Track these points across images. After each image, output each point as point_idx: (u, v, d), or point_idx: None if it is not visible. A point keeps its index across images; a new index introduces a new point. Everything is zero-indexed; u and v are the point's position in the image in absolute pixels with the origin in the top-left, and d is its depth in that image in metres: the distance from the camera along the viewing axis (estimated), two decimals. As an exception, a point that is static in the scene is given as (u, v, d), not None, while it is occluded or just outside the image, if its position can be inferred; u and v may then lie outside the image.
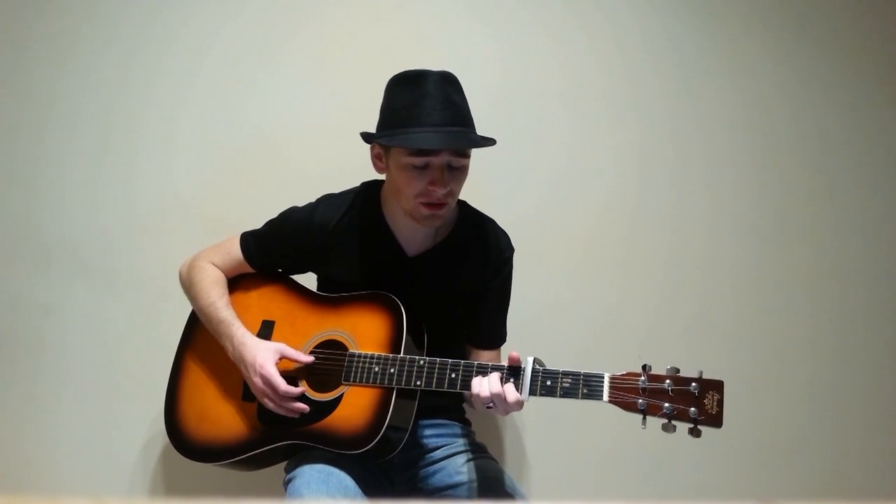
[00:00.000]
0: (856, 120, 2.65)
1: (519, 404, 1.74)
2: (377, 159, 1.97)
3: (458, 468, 2.01)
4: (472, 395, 1.78)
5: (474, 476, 1.98)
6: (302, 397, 1.91)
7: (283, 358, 1.93)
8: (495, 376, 1.75)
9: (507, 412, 1.77)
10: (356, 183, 2.11)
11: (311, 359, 1.94)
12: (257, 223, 2.11)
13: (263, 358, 1.90)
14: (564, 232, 2.56)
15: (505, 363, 1.78)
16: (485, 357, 2.09)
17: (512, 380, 1.75)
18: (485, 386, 1.75)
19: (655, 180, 2.59)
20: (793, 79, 2.64)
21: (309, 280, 2.15)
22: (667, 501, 2.49)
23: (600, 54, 2.59)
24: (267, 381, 1.88)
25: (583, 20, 2.58)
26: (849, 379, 2.63)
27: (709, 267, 2.61)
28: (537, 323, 2.51)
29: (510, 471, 2.45)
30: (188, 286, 2.10)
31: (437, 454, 2.05)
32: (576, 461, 2.56)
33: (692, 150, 2.60)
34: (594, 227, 2.57)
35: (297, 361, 1.94)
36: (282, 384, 1.88)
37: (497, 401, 1.74)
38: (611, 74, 2.59)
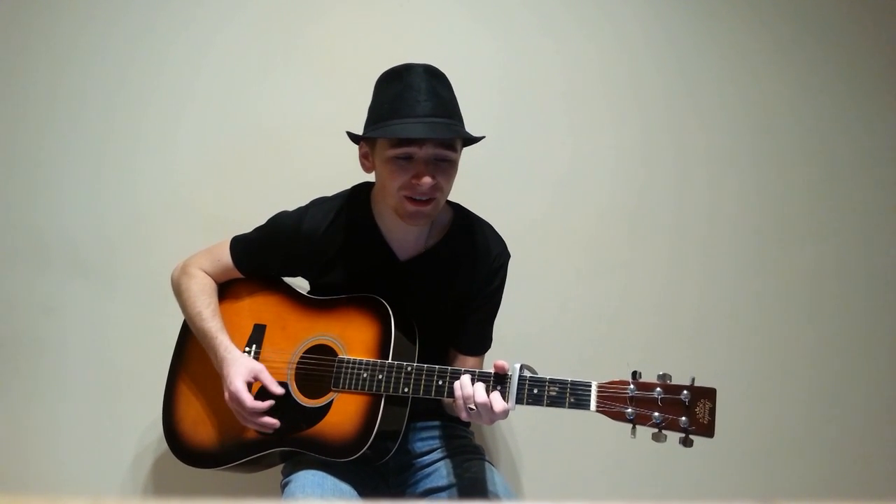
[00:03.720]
0: (857, 120, 2.62)
1: (504, 413, 1.71)
2: (364, 158, 1.95)
3: (454, 470, 2.00)
4: (453, 400, 1.77)
5: (469, 478, 1.98)
6: (292, 403, 1.92)
7: (256, 379, 1.93)
8: (480, 386, 1.73)
9: (492, 421, 1.75)
10: (357, 182, 2.09)
11: (280, 391, 1.92)
12: (257, 223, 2.11)
13: (235, 373, 1.91)
14: (564, 234, 2.55)
15: (491, 370, 1.75)
16: (469, 363, 2.06)
17: (498, 387, 1.73)
18: (468, 391, 1.73)
19: (656, 181, 2.58)
20: (794, 80, 2.62)
21: (301, 282, 2.15)
22: (667, 501, 2.49)
23: (601, 54, 2.57)
24: (234, 397, 1.89)
25: (583, 20, 2.56)
26: (849, 379, 2.62)
27: (710, 268, 2.60)
28: (537, 326, 2.51)
29: (508, 473, 2.47)
30: (178, 293, 2.11)
31: (433, 456, 2.05)
32: (574, 461, 2.55)
33: (693, 150, 2.59)
34: (594, 229, 2.56)
35: (268, 389, 1.92)
36: (248, 400, 1.88)
37: (483, 409, 1.71)
38: (612, 75, 2.58)
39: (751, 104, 2.61)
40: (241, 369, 1.92)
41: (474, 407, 1.72)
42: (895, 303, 2.65)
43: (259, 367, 1.94)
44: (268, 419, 1.90)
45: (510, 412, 1.72)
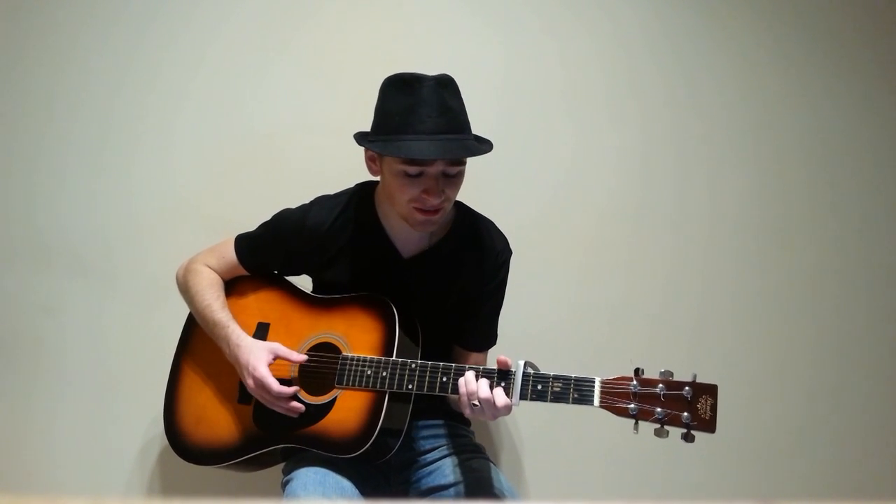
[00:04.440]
0: (857, 120, 2.63)
1: (507, 408, 1.72)
2: (371, 162, 1.95)
3: (454, 469, 2.00)
4: (458, 396, 1.78)
5: (469, 477, 1.98)
6: (296, 399, 1.92)
7: (276, 358, 1.93)
8: (484, 381, 1.74)
9: (495, 417, 1.76)
10: (356, 182, 2.10)
11: (303, 358, 1.94)
12: (257, 222, 2.11)
13: (256, 359, 1.90)
14: (566, 233, 2.56)
15: (494, 366, 1.76)
16: (473, 359, 2.08)
17: (502, 384, 1.74)
18: (472, 387, 1.74)
19: (657, 181, 2.59)
20: (794, 79, 2.63)
21: (305, 281, 2.15)
22: (667, 501, 2.49)
23: (602, 54, 2.58)
24: (259, 383, 1.89)
25: (584, 21, 2.57)
26: (849, 379, 2.63)
27: (710, 268, 2.60)
28: (539, 324, 2.52)
29: (508, 472, 2.46)
30: (184, 289, 2.11)
31: (433, 455, 2.05)
32: (575, 461, 2.55)
33: (693, 150, 2.60)
34: (596, 229, 2.57)
35: (289, 361, 1.94)
36: (274, 385, 1.88)
37: (486, 405, 1.72)
38: (613, 75, 2.58)
39: (751, 104, 2.61)
40: (261, 354, 1.92)
41: (478, 403, 1.73)
42: (895, 303, 2.65)
43: (275, 345, 1.95)
44: (295, 403, 1.90)
45: (514, 408, 1.73)
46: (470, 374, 1.77)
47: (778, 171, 2.62)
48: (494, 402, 1.72)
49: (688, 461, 2.51)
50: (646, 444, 2.40)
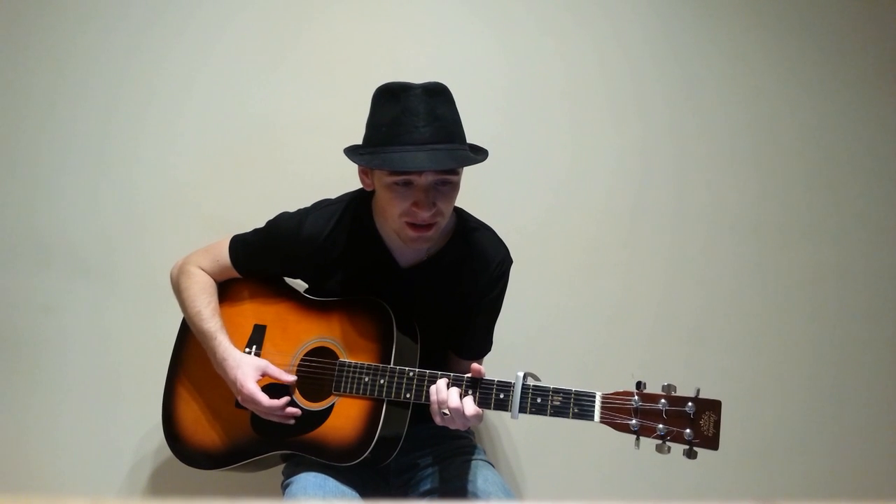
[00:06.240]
0: (856, 120, 2.62)
1: (478, 417, 1.75)
2: (364, 175, 1.92)
3: (454, 472, 2.00)
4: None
5: (470, 479, 1.98)
6: (292, 405, 1.91)
7: (265, 376, 1.93)
8: (454, 390, 1.76)
9: (465, 426, 1.78)
10: (356, 183, 2.06)
11: (293, 379, 1.94)
12: (257, 223, 2.09)
13: (244, 375, 1.90)
14: (565, 235, 2.55)
15: (492, 377, 1.76)
16: (466, 366, 2.06)
17: (470, 392, 1.76)
18: (442, 396, 1.76)
19: (657, 182, 2.57)
20: (793, 80, 2.61)
21: (302, 283, 2.14)
22: (667, 501, 2.49)
23: (601, 55, 2.56)
24: (249, 400, 1.89)
25: (584, 21, 2.55)
26: (849, 379, 2.62)
27: (710, 268, 2.59)
28: (538, 329, 2.52)
29: (508, 473, 2.46)
30: (177, 291, 2.10)
31: (432, 457, 2.05)
32: (574, 462, 2.55)
33: (693, 151, 2.58)
34: (595, 230, 2.56)
35: (279, 381, 1.93)
36: (265, 401, 1.88)
37: (455, 414, 1.74)
38: (612, 75, 2.56)
39: (751, 104, 2.60)
40: (248, 370, 1.91)
41: (448, 412, 1.75)
42: (895, 303, 2.64)
43: (264, 363, 1.94)
44: (290, 409, 1.90)
45: (513, 421, 1.73)
46: (441, 383, 1.78)
47: (777, 172, 2.61)
48: (464, 411, 1.73)
49: (687, 461, 2.48)
50: (645, 445, 2.42)
